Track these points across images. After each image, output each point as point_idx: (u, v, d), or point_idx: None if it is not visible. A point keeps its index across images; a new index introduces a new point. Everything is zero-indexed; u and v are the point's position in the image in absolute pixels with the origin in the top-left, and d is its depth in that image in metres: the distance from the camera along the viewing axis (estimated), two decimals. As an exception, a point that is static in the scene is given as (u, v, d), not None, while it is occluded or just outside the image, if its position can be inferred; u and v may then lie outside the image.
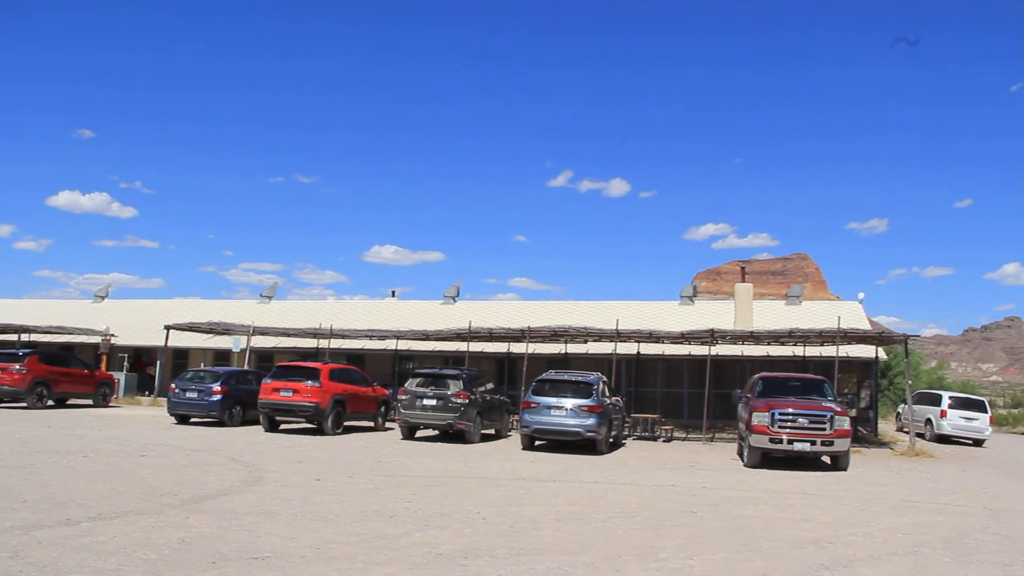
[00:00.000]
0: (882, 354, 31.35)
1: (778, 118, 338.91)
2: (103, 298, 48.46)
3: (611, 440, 20.93)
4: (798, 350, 29.90)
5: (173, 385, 24.50)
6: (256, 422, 23.18)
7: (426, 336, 31.22)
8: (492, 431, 23.32)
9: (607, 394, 21.15)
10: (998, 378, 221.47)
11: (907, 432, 26.81)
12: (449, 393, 21.10)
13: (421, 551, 8.16)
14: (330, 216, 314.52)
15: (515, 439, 22.11)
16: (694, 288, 40.71)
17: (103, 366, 34.80)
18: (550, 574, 7.45)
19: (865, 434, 27.46)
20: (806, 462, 18.31)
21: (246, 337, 32.85)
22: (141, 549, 7.72)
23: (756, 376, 20.73)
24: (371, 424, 24.70)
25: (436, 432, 22.20)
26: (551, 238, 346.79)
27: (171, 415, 24.34)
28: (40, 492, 10.58)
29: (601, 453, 19.61)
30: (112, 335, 36.90)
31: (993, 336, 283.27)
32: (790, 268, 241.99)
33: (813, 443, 17.21)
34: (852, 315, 31.92)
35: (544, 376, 21.37)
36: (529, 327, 27.83)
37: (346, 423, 22.95)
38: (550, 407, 19.81)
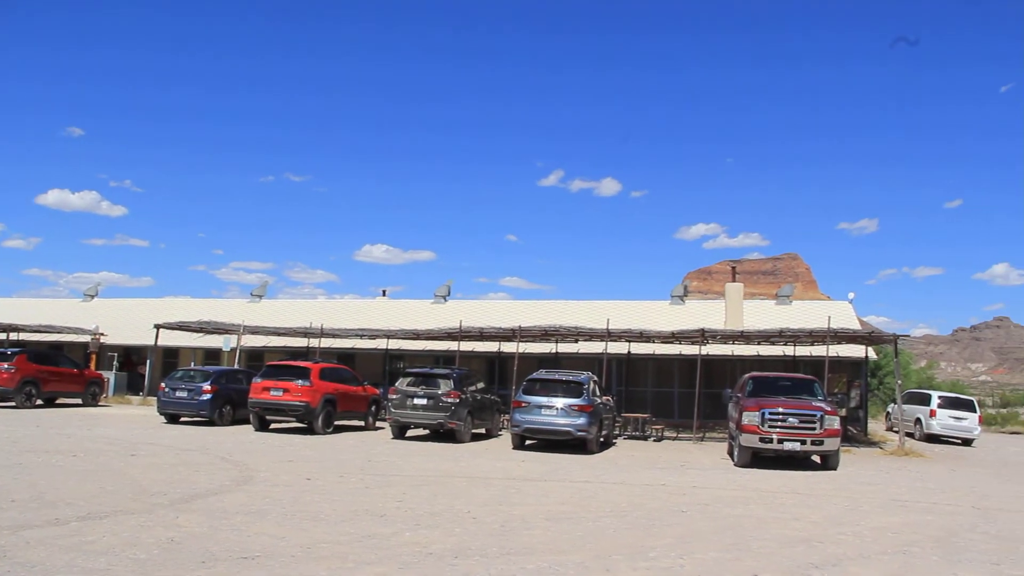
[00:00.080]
0: (872, 354, 31.44)
1: (769, 118, 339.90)
2: (92, 297, 48.27)
3: (601, 439, 20.94)
4: (788, 350, 29.97)
5: (163, 384, 24.44)
6: (246, 421, 23.13)
7: (417, 335, 31.19)
8: (483, 430, 23.32)
9: (597, 393, 21.16)
10: (987, 378, 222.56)
11: (897, 432, 26.89)
12: (440, 392, 21.09)
13: (411, 550, 8.16)
14: (321, 215, 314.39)
15: (506, 438, 22.11)
16: (685, 288, 40.76)
17: (92, 365, 34.66)
18: (540, 573, 7.45)
19: (855, 433, 27.55)
20: (796, 461, 18.35)
21: (236, 336, 32.76)
22: (130, 549, 7.70)
23: (746, 376, 20.76)
24: (362, 423, 24.68)
25: (427, 431, 22.19)
26: (542, 237, 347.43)
27: (161, 414, 24.26)
28: (29, 492, 10.54)
29: (591, 452, 19.62)
30: (102, 334, 36.74)
31: (982, 336, 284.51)
32: (780, 268, 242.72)
33: (803, 442, 17.25)
34: (842, 315, 31.99)
35: (535, 375, 21.37)
36: (520, 326, 27.83)
37: (336, 422, 22.91)
38: (541, 406, 19.81)
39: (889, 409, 37.12)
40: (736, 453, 18.17)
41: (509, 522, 9.90)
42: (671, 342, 28.36)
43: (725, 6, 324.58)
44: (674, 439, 25.25)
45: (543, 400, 19.87)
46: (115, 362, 36.85)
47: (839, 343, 27.46)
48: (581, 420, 19.52)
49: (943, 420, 29.38)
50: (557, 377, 20.95)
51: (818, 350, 27.99)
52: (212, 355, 36.68)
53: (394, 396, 21.55)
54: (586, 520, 10.28)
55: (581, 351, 31.39)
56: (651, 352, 31.36)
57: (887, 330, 30.81)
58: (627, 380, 32.17)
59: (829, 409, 17.74)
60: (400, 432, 21.91)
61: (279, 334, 33.33)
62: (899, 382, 26.92)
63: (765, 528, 10.20)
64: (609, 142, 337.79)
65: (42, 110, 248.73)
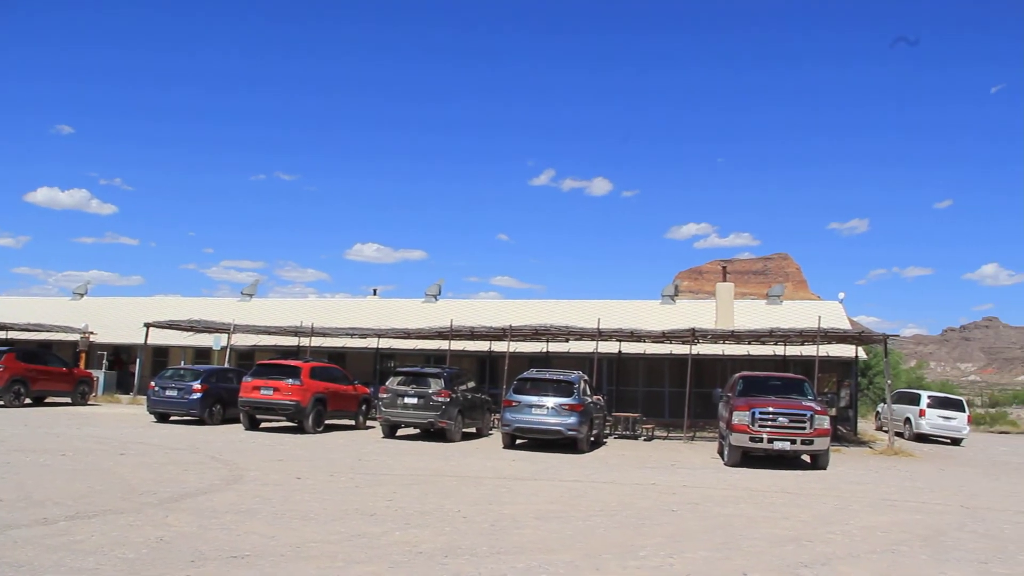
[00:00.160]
0: (862, 354, 31.55)
1: (760, 118, 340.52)
2: (82, 295, 48.12)
3: (592, 439, 20.96)
4: (779, 349, 30.03)
5: (153, 383, 24.36)
6: (237, 420, 23.08)
7: (407, 334, 31.16)
8: (473, 429, 23.31)
9: (588, 393, 21.19)
10: (976, 377, 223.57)
11: (886, 431, 26.99)
12: (430, 391, 21.08)
13: (401, 550, 8.15)
14: (312, 214, 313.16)
15: (496, 437, 22.11)
16: (675, 287, 40.83)
17: (82, 364, 34.56)
18: (530, 572, 7.45)
19: (845, 433, 27.63)
20: (786, 461, 18.40)
21: (227, 335, 32.69)
22: (119, 548, 7.67)
23: (737, 375, 20.81)
24: (352, 422, 24.66)
25: (417, 430, 22.16)
26: (533, 237, 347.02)
27: (151, 413, 24.18)
28: (16, 491, 10.49)
29: (582, 452, 19.64)
30: (91, 333, 36.64)
31: (971, 336, 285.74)
32: (771, 268, 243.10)
33: (793, 442, 17.30)
34: (832, 315, 32.10)
35: (525, 375, 21.39)
36: (511, 326, 27.83)
37: (327, 421, 22.88)
38: (531, 406, 19.82)
39: (879, 409, 37.27)
40: (726, 452, 18.20)
41: (499, 521, 9.90)
42: (662, 342, 28.40)
43: (717, 6, 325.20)
44: (664, 438, 25.29)
45: (533, 399, 19.88)
46: (105, 361, 36.73)
47: (829, 343, 27.55)
48: (571, 419, 19.53)
49: (932, 420, 29.50)
50: (548, 376, 20.97)
51: (808, 350, 28.09)
52: (202, 354, 36.60)
53: (384, 395, 21.54)
54: (576, 519, 10.29)
55: (572, 350, 31.40)
56: (642, 352, 31.39)
57: (877, 330, 30.96)
58: (618, 379, 32.21)
59: (819, 409, 17.80)
60: (390, 431, 21.90)
61: (270, 333, 33.25)
62: (889, 382, 27.01)
63: (755, 527, 10.23)
64: (600, 142, 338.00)
65: (32, 108, 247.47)
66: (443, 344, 30.88)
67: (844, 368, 31.81)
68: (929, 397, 30.84)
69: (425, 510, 10.51)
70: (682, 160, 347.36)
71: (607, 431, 24.82)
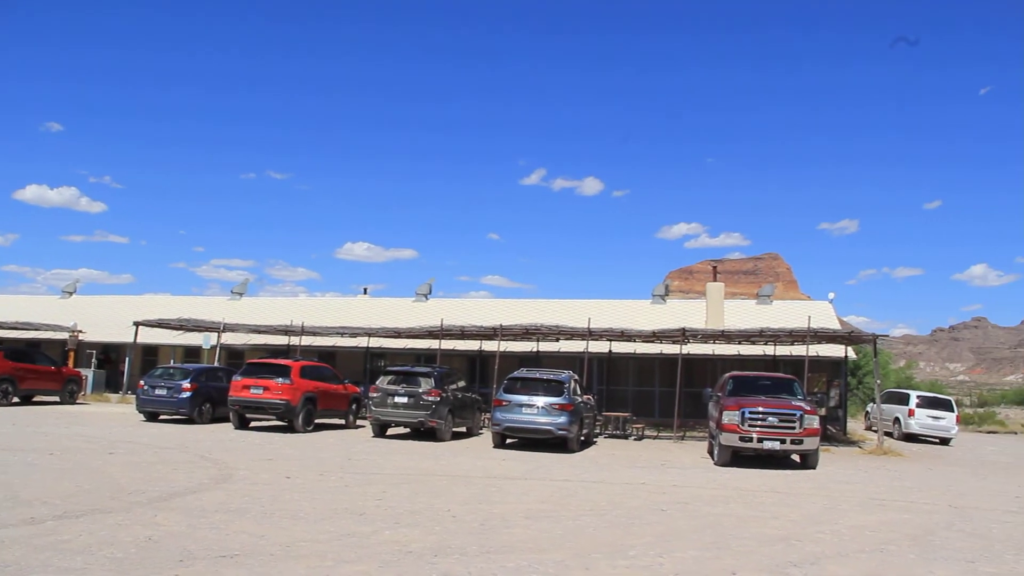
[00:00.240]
0: (851, 353, 31.64)
1: (750, 119, 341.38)
2: (71, 294, 47.94)
3: (582, 438, 20.96)
4: (769, 349, 30.09)
5: (142, 382, 24.26)
6: (226, 419, 23.01)
7: (398, 334, 31.13)
8: (464, 429, 23.28)
9: (578, 392, 21.19)
10: (965, 377, 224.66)
11: (876, 431, 27.04)
12: (420, 391, 21.04)
13: (391, 549, 8.13)
14: (303, 213, 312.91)
15: (487, 437, 22.09)
16: (666, 287, 40.91)
17: (71, 363, 34.41)
18: (520, 572, 7.45)
19: (834, 433, 27.69)
20: (776, 460, 18.44)
21: (216, 334, 32.61)
22: (107, 548, 7.64)
23: (727, 375, 20.85)
24: (342, 422, 24.61)
25: (407, 430, 22.12)
26: (524, 236, 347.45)
27: (140, 412, 24.08)
28: (3, 491, 10.44)
29: (572, 451, 19.64)
30: (80, 331, 36.49)
31: (960, 336, 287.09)
32: (761, 268, 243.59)
33: (783, 441, 17.33)
34: (822, 315, 32.18)
35: (516, 374, 21.39)
36: (501, 325, 27.82)
37: (317, 421, 22.83)
38: (521, 405, 19.81)
39: (868, 408, 37.36)
40: (716, 452, 18.22)
41: (489, 520, 9.90)
42: (652, 341, 28.43)
43: (707, 9, 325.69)
44: (655, 438, 25.31)
45: (524, 399, 19.88)
46: (94, 360, 36.58)
47: (819, 343, 27.61)
48: (562, 419, 19.53)
49: (921, 419, 29.59)
50: (538, 376, 20.97)
51: (798, 350, 28.13)
52: (192, 353, 36.50)
53: (375, 394, 21.49)
54: (566, 519, 10.29)
55: (562, 350, 31.42)
56: (632, 351, 31.43)
57: (867, 330, 30.95)
58: (608, 379, 32.25)
59: (809, 408, 17.84)
60: (381, 430, 21.87)
61: (260, 332, 33.17)
62: (878, 382, 27.05)
63: (744, 527, 10.24)
64: (592, 142, 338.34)
65: (21, 105, 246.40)
66: (433, 343, 30.86)
67: (834, 368, 31.90)
68: (918, 397, 30.93)
69: (415, 509, 10.49)
70: (673, 160, 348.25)
71: (597, 430, 24.83)
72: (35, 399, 28.31)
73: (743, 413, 17.51)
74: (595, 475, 15.20)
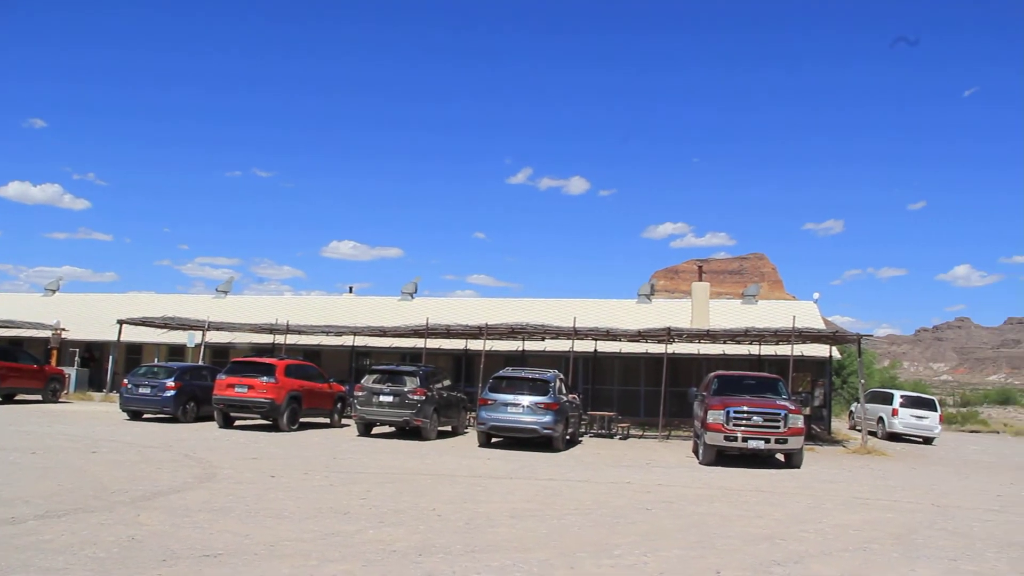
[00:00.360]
0: (836, 353, 31.78)
1: (736, 119, 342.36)
2: (54, 291, 47.60)
3: (567, 437, 20.98)
4: (754, 349, 30.20)
5: (126, 381, 24.14)
6: (210, 418, 22.92)
7: (383, 332, 31.07)
8: (449, 428, 23.27)
9: (564, 391, 21.20)
10: (948, 377, 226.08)
11: (860, 430, 27.20)
12: (406, 390, 21.01)
13: (375, 548, 8.11)
14: (288, 211, 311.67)
15: (472, 436, 22.08)
16: (651, 287, 40.97)
17: (53, 361, 34.20)
18: (505, 571, 7.44)
19: (819, 432, 27.81)
20: (760, 460, 18.49)
21: (201, 332, 32.47)
22: (89, 547, 7.59)
23: (712, 374, 20.89)
24: (327, 420, 24.55)
25: (393, 429, 22.09)
26: (510, 235, 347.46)
27: (123, 411, 23.94)
28: (-15, 489, 10.36)
29: (557, 450, 19.66)
30: (63, 329, 36.25)
31: (944, 336, 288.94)
32: (747, 268, 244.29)
33: (767, 441, 17.39)
34: (807, 315, 32.30)
35: (501, 373, 21.39)
36: (487, 324, 27.81)
37: (302, 419, 22.77)
38: (507, 404, 19.81)
39: (852, 408, 37.54)
40: (701, 451, 18.26)
41: (474, 520, 9.89)
42: (637, 341, 28.48)
43: (691, 8, 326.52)
44: (640, 437, 25.36)
45: (509, 398, 19.88)
46: (77, 358, 36.35)
47: (804, 342, 27.73)
48: (547, 418, 19.54)
49: (905, 419, 29.75)
50: (523, 375, 20.97)
51: (783, 349, 28.25)
52: (176, 351, 36.31)
53: (360, 393, 21.45)
54: (551, 518, 10.29)
55: (548, 349, 31.44)
56: (617, 350, 31.47)
57: (851, 330, 31.18)
58: (593, 378, 32.28)
59: (793, 408, 17.91)
60: (366, 429, 21.83)
61: (244, 330, 33.05)
62: (862, 381, 27.23)
63: (729, 526, 10.27)
64: (578, 141, 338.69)
65: (2, 101, 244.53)
66: (419, 342, 30.82)
67: (818, 367, 32.03)
68: (902, 396, 31.10)
69: (399, 508, 10.47)
70: (659, 160, 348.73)
71: (582, 430, 24.87)
72: (17, 398, 28.09)
73: (728, 412, 17.55)
74: (580, 474, 15.21)
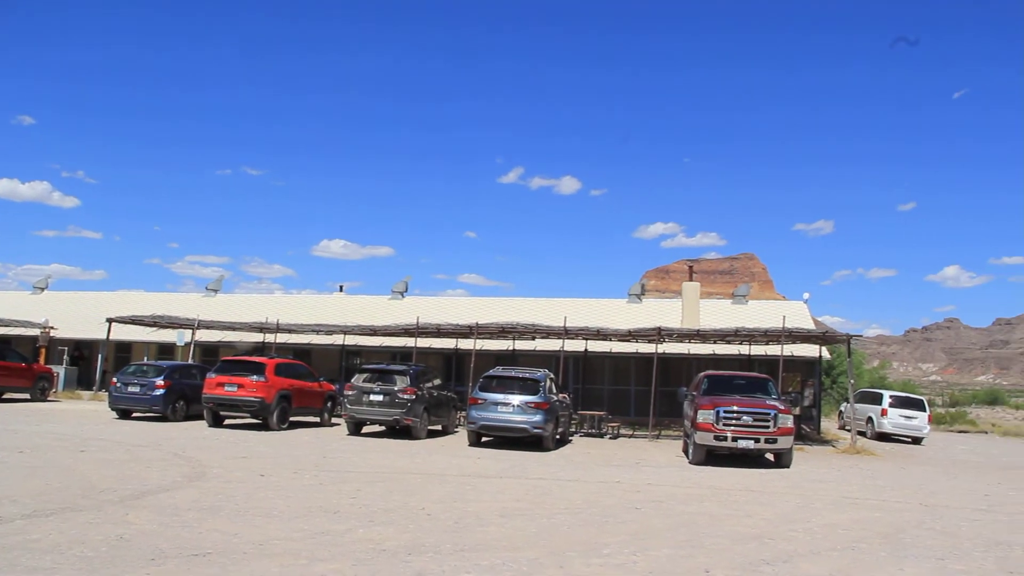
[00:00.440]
0: (826, 353, 31.87)
1: (726, 119, 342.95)
2: (43, 289, 47.41)
3: (558, 437, 21.00)
4: (744, 349, 30.26)
5: (115, 379, 24.05)
6: (200, 417, 22.86)
7: (374, 331, 31.03)
8: (439, 427, 23.25)
9: (554, 391, 21.22)
10: (937, 377, 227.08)
11: (849, 430, 27.24)
12: (396, 389, 20.99)
13: (365, 547, 8.11)
14: (279, 209, 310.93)
15: (462, 435, 22.07)
16: (642, 286, 41.01)
17: (42, 359, 34.05)
18: (494, 570, 7.44)
19: (808, 432, 27.88)
20: (750, 459, 18.53)
21: (191, 331, 32.38)
22: (77, 547, 7.56)
23: (702, 374, 20.93)
24: (317, 419, 24.50)
25: (383, 428, 22.07)
26: (501, 234, 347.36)
27: (113, 410, 23.87)
28: (-27, 488, 10.31)
29: (548, 450, 19.67)
30: (52, 328, 36.10)
31: (933, 337, 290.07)
32: (737, 268, 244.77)
33: (757, 440, 17.43)
34: (797, 315, 32.39)
35: (491, 372, 21.39)
36: (477, 323, 27.81)
37: (292, 418, 22.72)
38: (497, 403, 19.81)
39: (842, 408, 37.64)
40: (691, 451, 18.30)
41: (464, 519, 9.88)
42: (628, 340, 28.50)
43: (680, 7, 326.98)
44: (630, 437, 25.38)
45: (500, 397, 19.88)
46: (66, 356, 36.22)
47: (794, 343, 27.79)
48: (537, 417, 19.56)
49: (894, 419, 29.86)
50: (514, 374, 20.98)
51: (773, 349, 28.32)
52: (166, 350, 36.20)
53: (350, 392, 21.42)
54: (541, 517, 10.30)
55: (538, 348, 31.45)
56: (608, 350, 31.51)
57: (841, 330, 31.21)
58: (584, 378, 32.30)
59: (783, 408, 17.95)
60: (356, 428, 21.80)
61: (235, 329, 32.96)
62: (852, 381, 27.28)
63: (718, 525, 10.29)
64: (569, 140, 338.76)
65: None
66: (409, 341, 30.79)
67: (808, 368, 32.11)
68: (891, 397, 31.21)
69: (389, 507, 10.46)
70: (650, 160, 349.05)
71: (573, 429, 24.89)
72: (5, 396, 27.97)
73: (718, 412, 17.59)
74: (570, 474, 15.22)
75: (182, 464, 13.83)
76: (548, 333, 28.54)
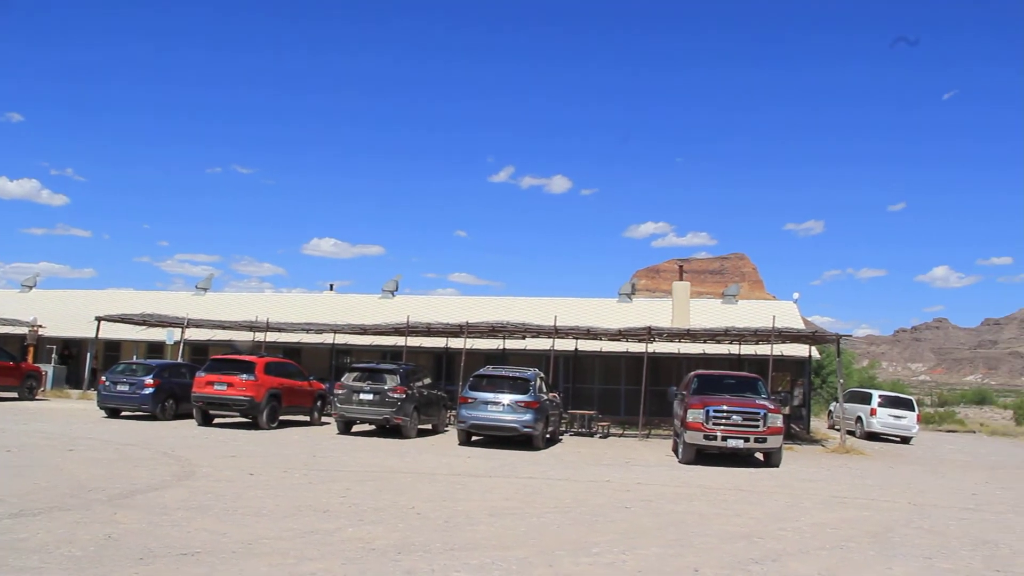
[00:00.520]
0: (815, 353, 31.98)
1: (718, 119, 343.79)
2: (31, 288, 47.21)
3: (548, 436, 21.01)
4: (734, 348, 30.31)
5: (104, 378, 23.95)
6: (189, 416, 22.80)
7: (364, 330, 30.97)
8: (429, 426, 23.25)
9: (544, 390, 21.23)
10: (926, 377, 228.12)
11: (838, 429, 27.36)
12: (386, 388, 20.97)
13: (354, 546, 8.10)
14: (269, 208, 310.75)
15: (452, 434, 22.06)
16: (632, 286, 41.06)
17: (30, 358, 33.88)
18: (484, 569, 7.44)
19: (798, 431, 27.95)
20: (739, 459, 18.56)
21: (180, 330, 32.27)
22: (65, 546, 7.53)
23: (692, 374, 20.96)
24: (307, 418, 24.46)
25: (373, 427, 22.05)
26: (491, 234, 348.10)
27: (101, 409, 23.77)
28: (-40, 487, 10.26)
29: (537, 449, 19.68)
30: (40, 326, 35.93)
31: (922, 337, 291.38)
32: (728, 267, 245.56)
33: (746, 440, 17.47)
34: (787, 315, 32.46)
35: (481, 371, 21.38)
36: (467, 322, 27.80)
37: (282, 417, 22.69)
38: (487, 403, 19.81)
39: (831, 407, 37.75)
40: (681, 450, 18.33)
41: (453, 518, 9.88)
42: (618, 340, 28.54)
43: (672, 7, 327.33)
44: (620, 436, 25.42)
45: (490, 396, 19.88)
46: (54, 355, 36.06)
47: (783, 342, 27.86)
48: (527, 416, 19.56)
49: (883, 418, 29.98)
50: (504, 373, 20.99)
51: (763, 349, 28.37)
52: (155, 348, 36.06)
53: (340, 391, 21.39)
54: (530, 516, 10.30)
55: (528, 348, 31.45)
56: (598, 349, 31.53)
57: (831, 330, 31.31)
58: (574, 377, 32.32)
59: (772, 407, 17.99)
60: (346, 427, 21.77)
61: (224, 328, 32.87)
62: (841, 381, 27.36)
63: (707, 524, 10.31)
64: (560, 140, 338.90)
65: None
66: (399, 340, 30.76)
67: (798, 367, 32.19)
68: (880, 396, 31.34)
69: (379, 506, 10.45)
70: (641, 160, 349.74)
71: (563, 428, 24.91)
72: (-7, 395, 27.86)
73: (708, 411, 17.61)
74: (560, 473, 15.23)
75: (171, 463, 13.79)
76: (538, 332, 28.54)
